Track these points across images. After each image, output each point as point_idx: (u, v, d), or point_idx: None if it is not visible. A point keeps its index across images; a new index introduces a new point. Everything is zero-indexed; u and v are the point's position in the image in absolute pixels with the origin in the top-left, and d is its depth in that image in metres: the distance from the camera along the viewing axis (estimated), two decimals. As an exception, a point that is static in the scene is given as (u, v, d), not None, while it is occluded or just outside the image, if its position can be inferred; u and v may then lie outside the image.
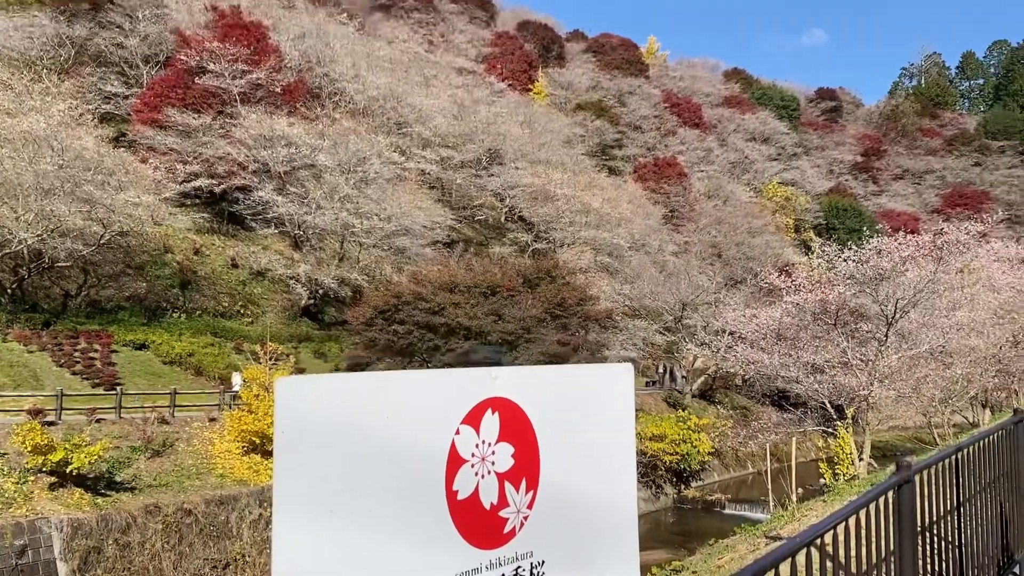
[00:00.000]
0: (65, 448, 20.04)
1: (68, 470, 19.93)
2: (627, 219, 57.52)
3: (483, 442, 2.17)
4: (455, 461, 2.10)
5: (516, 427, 2.26)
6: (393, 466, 2.00)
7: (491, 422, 2.19)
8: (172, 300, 36.96)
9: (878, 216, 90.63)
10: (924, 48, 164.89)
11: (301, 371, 33.91)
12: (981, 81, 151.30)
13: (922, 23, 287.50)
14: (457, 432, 2.11)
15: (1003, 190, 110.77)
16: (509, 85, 78.83)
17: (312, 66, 54.67)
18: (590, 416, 2.48)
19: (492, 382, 2.22)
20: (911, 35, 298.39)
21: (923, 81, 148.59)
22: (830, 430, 26.28)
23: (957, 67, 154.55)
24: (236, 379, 29.67)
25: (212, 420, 26.88)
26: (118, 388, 26.67)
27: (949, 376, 27.39)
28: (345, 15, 67.61)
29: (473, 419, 2.15)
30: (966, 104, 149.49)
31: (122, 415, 25.00)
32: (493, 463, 2.19)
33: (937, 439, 30.82)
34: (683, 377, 47.68)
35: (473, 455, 2.14)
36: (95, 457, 20.41)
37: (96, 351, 30.35)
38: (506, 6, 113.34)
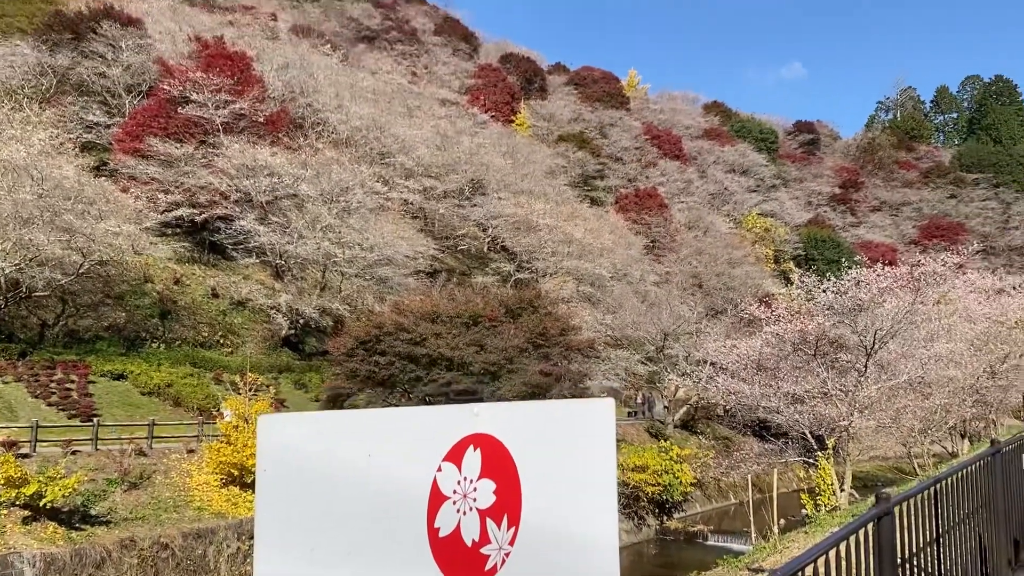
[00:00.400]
0: (39, 481, 19.70)
1: (42, 503, 19.58)
2: (609, 249, 57.83)
3: (465, 479, 2.18)
4: (437, 498, 2.11)
5: (498, 463, 2.27)
6: (375, 503, 2.01)
7: (473, 459, 2.21)
8: (151, 330, 36.64)
9: (856, 247, 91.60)
10: (899, 82, 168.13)
11: (281, 402, 33.62)
12: (955, 115, 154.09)
13: (897, 58, 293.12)
14: (439, 469, 2.12)
15: (978, 222, 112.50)
16: (492, 116, 79.46)
17: (295, 96, 54.88)
18: (571, 451, 2.50)
19: (474, 419, 2.24)
20: (886, 69, 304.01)
21: (899, 115, 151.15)
22: (811, 461, 26.33)
23: (931, 101, 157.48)
24: (227, 413, 29.37)
25: (190, 452, 26.54)
26: (95, 419, 26.31)
27: (928, 406, 27.57)
28: (329, 46, 68.07)
29: (455, 456, 2.16)
30: (941, 137, 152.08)
31: (98, 447, 24.63)
32: (475, 500, 2.20)
33: (917, 469, 30.96)
34: (665, 407, 47.68)
35: (455, 492, 2.15)
36: (70, 490, 20.07)
37: (73, 382, 29.97)
38: (489, 39, 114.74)
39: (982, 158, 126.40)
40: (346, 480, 1.96)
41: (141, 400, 31.18)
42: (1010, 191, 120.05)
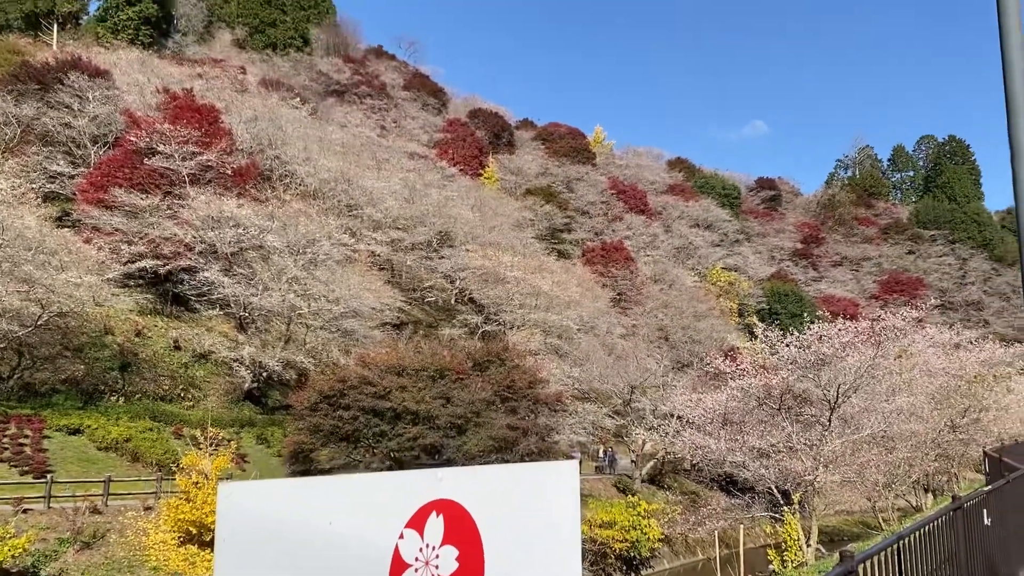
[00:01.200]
0: (-12, 541, 19.03)
1: (-11, 564, 18.89)
2: (576, 301, 58.07)
3: (427, 546, 2.17)
4: (398, 566, 2.09)
5: (461, 529, 2.26)
6: (335, 571, 1.98)
7: (436, 525, 2.19)
8: (111, 383, 35.89)
9: (819, 301, 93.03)
10: (857, 141, 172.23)
11: (242, 457, 32.97)
12: (911, 173, 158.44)
13: (855, 116, 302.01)
14: (401, 536, 2.10)
15: (935, 277, 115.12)
16: (460, 170, 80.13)
17: (264, 148, 54.98)
18: (535, 515, 2.49)
19: (437, 484, 2.23)
20: (846, 127, 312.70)
21: (857, 172, 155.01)
22: (778, 516, 26.32)
23: (888, 159, 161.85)
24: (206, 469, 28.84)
25: (148, 509, 25.84)
26: (48, 476, 25.54)
27: (892, 460, 27.80)
28: (298, 99, 68.53)
29: (417, 522, 2.15)
30: (898, 195, 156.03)
31: (51, 505, 23.90)
32: (437, 567, 2.18)
33: (882, 523, 31.05)
34: (632, 462, 47.51)
35: (417, 559, 2.13)
36: (19, 550, 19.41)
37: (27, 437, 29.13)
38: (458, 95, 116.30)
39: (938, 215, 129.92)
40: (306, 548, 1.94)
41: (97, 455, 30.38)
42: (965, 247, 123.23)
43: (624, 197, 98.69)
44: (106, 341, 37.21)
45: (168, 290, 42.49)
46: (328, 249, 43.02)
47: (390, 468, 28.75)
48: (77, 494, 24.77)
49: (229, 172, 45.61)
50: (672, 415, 41.42)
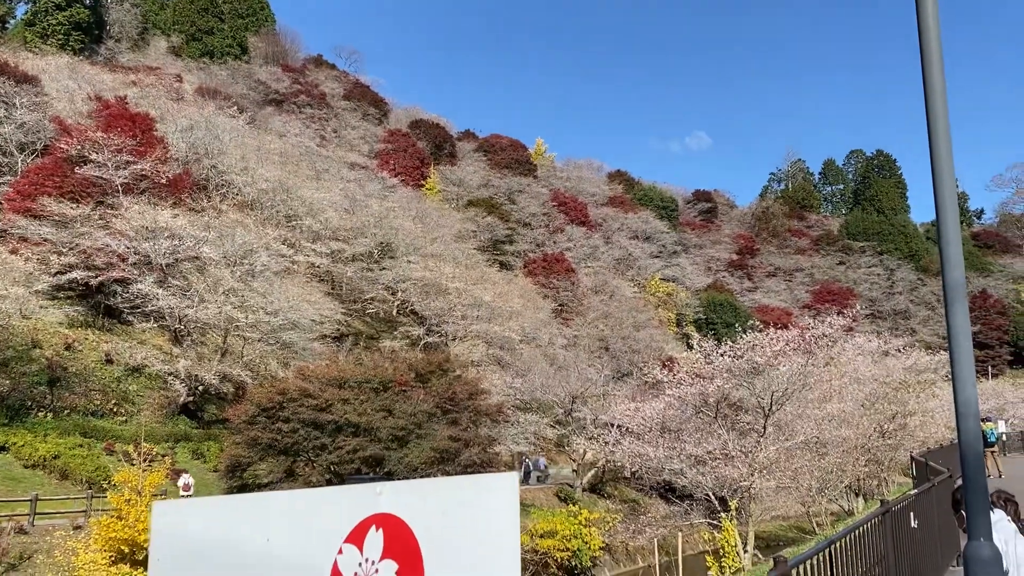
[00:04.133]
0: (-96, 565, 18.20)
1: (-94, 590, 18.06)
2: (518, 312, 58.25)
3: (366, 560, 2.17)
4: (337, 581, 2.09)
5: (400, 543, 2.27)
6: (273, 589, 1.97)
7: (375, 539, 2.20)
8: (38, 398, 34.67)
9: (754, 311, 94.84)
10: (790, 155, 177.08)
11: (177, 473, 32.17)
12: (841, 187, 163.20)
13: (790, 130, 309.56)
14: (340, 551, 2.11)
15: (865, 287, 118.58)
16: (402, 180, 79.83)
17: (200, 158, 53.96)
18: (475, 527, 2.52)
19: (376, 498, 2.24)
20: (781, 141, 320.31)
21: (790, 185, 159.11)
22: (716, 523, 26.75)
23: (820, 173, 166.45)
24: (188, 480, 28.37)
25: (77, 528, 25.02)
26: (-30, 496, 24.58)
27: (824, 466, 28.49)
28: (236, 108, 67.45)
29: (356, 537, 2.16)
30: (829, 207, 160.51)
31: (-27, 526, 22.98)
32: (376, 582, 2.19)
33: (816, 528, 31.78)
34: (573, 471, 47.75)
35: (356, 574, 2.14)
36: (-61, 574, 18.60)
37: (-53, 455, 28.02)
38: (399, 105, 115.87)
39: (867, 227, 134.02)
40: (244, 566, 1.93)
41: (24, 473, 29.33)
42: (893, 258, 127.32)
43: (565, 209, 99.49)
44: (34, 355, 35.96)
45: (100, 302, 41.28)
46: (266, 260, 42.40)
47: (329, 482, 28.40)
48: (2, 514, 23.86)
49: (164, 182, 44.63)
50: (612, 424, 41.77)
